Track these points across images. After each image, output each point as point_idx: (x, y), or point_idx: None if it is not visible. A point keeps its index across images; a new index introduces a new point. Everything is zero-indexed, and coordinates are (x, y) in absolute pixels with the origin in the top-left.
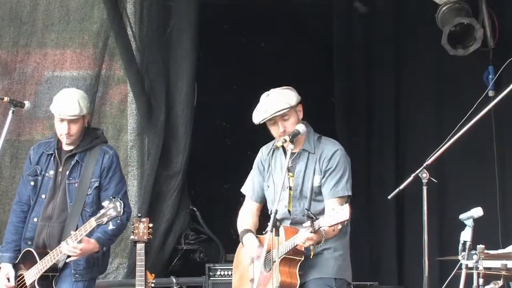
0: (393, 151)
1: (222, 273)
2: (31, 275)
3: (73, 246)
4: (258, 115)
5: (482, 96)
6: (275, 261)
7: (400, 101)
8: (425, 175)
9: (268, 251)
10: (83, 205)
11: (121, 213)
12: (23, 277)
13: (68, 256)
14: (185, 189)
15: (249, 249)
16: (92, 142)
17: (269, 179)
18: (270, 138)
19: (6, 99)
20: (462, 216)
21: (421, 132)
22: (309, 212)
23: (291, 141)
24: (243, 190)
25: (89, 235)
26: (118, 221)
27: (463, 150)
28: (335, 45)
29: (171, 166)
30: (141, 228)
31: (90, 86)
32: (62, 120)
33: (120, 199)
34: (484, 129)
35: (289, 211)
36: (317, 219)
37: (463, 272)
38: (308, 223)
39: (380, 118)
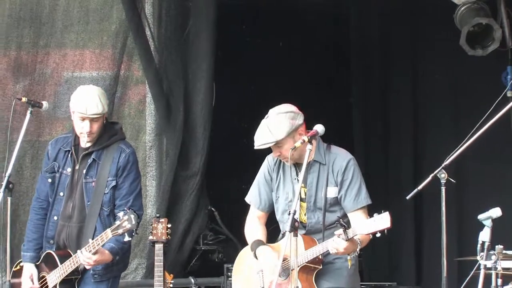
0: (411, 151)
1: None
2: (53, 278)
3: (87, 257)
4: (254, 140)
5: (501, 97)
6: (293, 268)
7: (418, 101)
8: (443, 176)
9: (284, 259)
10: (100, 204)
11: (136, 226)
12: (45, 279)
13: None
14: (204, 189)
15: (265, 260)
16: (110, 139)
17: (278, 190)
18: None
19: (24, 99)
20: (480, 217)
21: (439, 133)
22: (341, 220)
23: (310, 142)
24: (248, 199)
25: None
26: (133, 234)
27: (481, 150)
28: (353, 45)
29: (190, 166)
30: (160, 228)
31: (109, 87)
32: (83, 118)
33: (134, 211)
34: (503, 129)
35: (301, 222)
36: (349, 227)
37: (482, 272)
38: (340, 231)
39: (397, 119)
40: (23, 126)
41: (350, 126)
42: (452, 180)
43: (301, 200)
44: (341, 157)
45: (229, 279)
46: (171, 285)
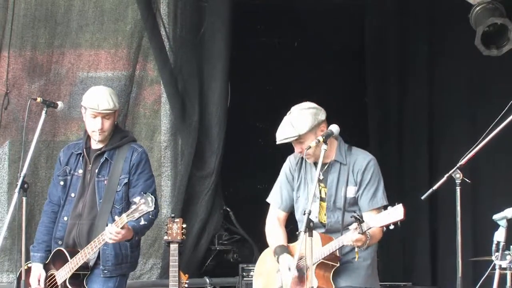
0: (426, 151)
1: None
2: (62, 274)
3: (116, 231)
4: (276, 135)
5: None
6: (308, 266)
7: (433, 101)
8: (458, 176)
9: (301, 258)
10: (112, 202)
11: (153, 208)
12: (54, 276)
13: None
14: (219, 189)
15: (283, 261)
16: (121, 140)
17: (299, 190)
18: None
19: (39, 99)
20: (495, 217)
21: (455, 132)
22: (356, 214)
23: (325, 142)
24: (270, 199)
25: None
26: (150, 216)
27: (496, 150)
28: (368, 45)
29: (205, 166)
30: (175, 228)
31: (124, 87)
32: (95, 115)
33: (151, 194)
34: None
35: (321, 222)
36: (363, 221)
37: (497, 272)
38: (354, 225)
39: (413, 118)
40: (38, 126)
41: (365, 126)
42: (467, 180)
43: (321, 200)
44: (362, 157)
45: (244, 279)
46: (186, 285)
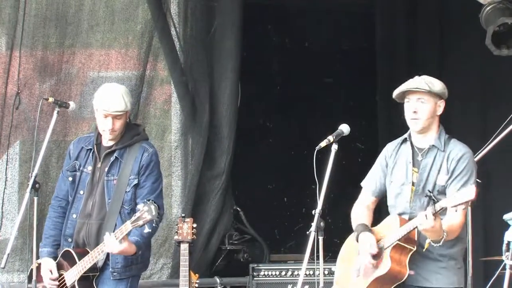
0: None
1: (266, 273)
2: (71, 276)
3: (113, 241)
4: (398, 88)
5: None
6: (385, 248)
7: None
8: None
9: (378, 240)
10: (121, 202)
11: (156, 217)
12: (63, 277)
13: (107, 257)
14: (229, 189)
15: (362, 243)
16: (133, 138)
17: (392, 174)
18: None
19: (50, 99)
20: (506, 216)
21: (465, 132)
22: (430, 193)
23: (336, 142)
24: (363, 183)
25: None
26: (154, 224)
27: (507, 149)
28: (378, 45)
29: (215, 166)
30: (185, 228)
31: (135, 87)
32: (106, 116)
33: (154, 202)
34: None
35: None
36: (438, 200)
37: (507, 272)
38: (429, 207)
39: None
40: (50, 126)
41: (375, 125)
42: (478, 180)
43: (413, 184)
44: (459, 147)
45: (254, 278)
46: (196, 285)
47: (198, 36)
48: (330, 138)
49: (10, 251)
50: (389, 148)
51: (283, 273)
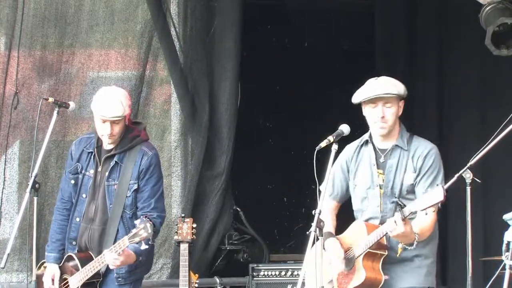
0: None
1: (266, 273)
2: (75, 281)
3: (114, 257)
4: (362, 93)
5: None
6: (357, 257)
7: (444, 101)
8: (468, 175)
9: (347, 250)
10: (123, 207)
11: (151, 235)
12: (67, 281)
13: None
14: (229, 189)
15: (332, 253)
16: (132, 141)
17: (356, 178)
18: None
19: (50, 99)
20: (505, 216)
21: (465, 132)
22: (398, 199)
23: (336, 142)
24: (322, 187)
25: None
26: (150, 242)
27: (507, 150)
28: (378, 45)
29: (215, 166)
30: (185, 228)
31: (134, 87)
32: (104, 121)
33: (150, 220)
34: None
35: (381, 211)
36: (405, 205)
37: (507, 272)
38: (398, 213)
39: (423, 118)
40: (50, 126)
41: None
42: (478, 180)
43: (380, 187)
44: (424, 144)
45: (254, 278)
46: (196, 285)
47: (198, 36)
48: (330, 138)
49: (10, 251)
50: (349, 151)
51: (283, 273)
